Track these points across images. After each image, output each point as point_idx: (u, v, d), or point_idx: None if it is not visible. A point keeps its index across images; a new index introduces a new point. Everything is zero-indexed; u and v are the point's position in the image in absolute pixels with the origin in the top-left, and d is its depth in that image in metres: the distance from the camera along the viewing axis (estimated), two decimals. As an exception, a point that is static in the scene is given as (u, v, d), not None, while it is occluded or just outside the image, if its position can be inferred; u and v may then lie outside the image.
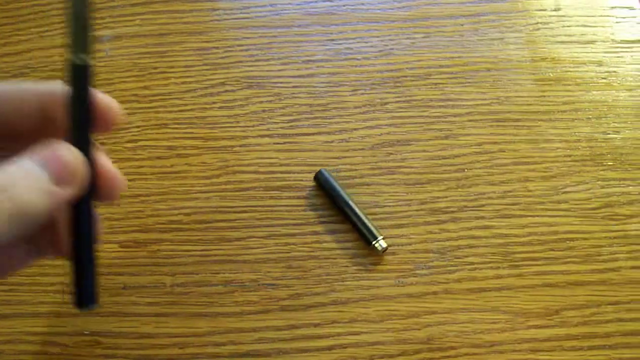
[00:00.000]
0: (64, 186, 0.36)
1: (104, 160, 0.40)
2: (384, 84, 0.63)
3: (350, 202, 0.57)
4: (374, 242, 0.55)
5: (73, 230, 0.39)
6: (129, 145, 0.60)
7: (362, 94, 0.62)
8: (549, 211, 0.57)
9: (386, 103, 0.62)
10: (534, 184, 0.58)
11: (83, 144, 0.38)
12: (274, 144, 0.60)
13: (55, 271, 0.56)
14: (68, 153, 0.36)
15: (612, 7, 0.66)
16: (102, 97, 0.39)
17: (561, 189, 0.57)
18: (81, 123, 0.38)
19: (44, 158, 0.35)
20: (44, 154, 0.35)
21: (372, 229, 0.56)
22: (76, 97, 0.38)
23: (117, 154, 0.59)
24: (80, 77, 0.38)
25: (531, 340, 0.52)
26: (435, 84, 0.62)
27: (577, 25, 0.65)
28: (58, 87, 0.39)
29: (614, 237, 0.56)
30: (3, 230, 0.33)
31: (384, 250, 0.55)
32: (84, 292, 0.39)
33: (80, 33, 0.38)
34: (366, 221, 0.56)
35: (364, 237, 0.56)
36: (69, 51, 0.38)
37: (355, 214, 0.56)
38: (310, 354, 0.52)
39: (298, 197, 0.58)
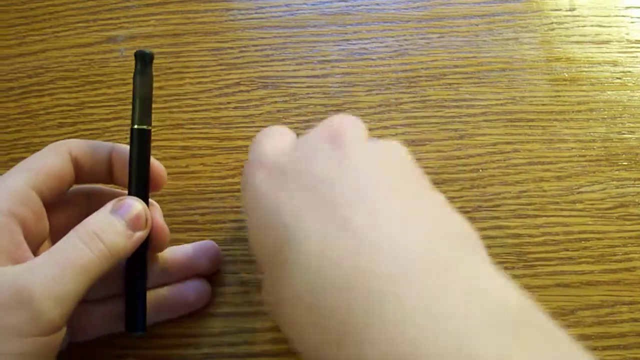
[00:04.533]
0: (136, 231, 0.45)
1: (155, 214, 0.49)
2: (399, 84, 0.63)
3: None
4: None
5: (128, 269, 0.48)
6: (143, 145, 0.61)
7: (377, 94, 0.62)
8: (563, 211, 0.57)
9: (401, 103, 0.62)
10: (548, 184, 0.58)
11: (143, 196, 0.48)
12: (289, 144, 0.60)
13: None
14: (138, 204, 0.46)
15: (627, 7, 0.66)
16: (154, 162, 0.50)
17: (576, 189, 0.57)
18: (142, 179, 0.48)
19: (119, 209, 0.45)
20: (119, 206, 0.45)
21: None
22: (139, 157, 0.48)
23: (132, 154, 0.60)
24: (144, 141, 0.48)
25: (546, 340, 0.52)
26: (450, 84, 0.62)
27: (592, 25, 0.65)
28: (125, 148, 0.49)
29: (629, 237, 0.56)
30: (102, 268, 0.43)
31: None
32: (135, 321, 0.48)
33: (146, 109, 0.48)
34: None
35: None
36: (134, 122, 0.48)
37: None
38: (325, 353, 0.52)
39: (313, 197, 0.58)
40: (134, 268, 0.48)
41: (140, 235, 0.46)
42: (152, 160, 0.49)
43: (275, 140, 0.45)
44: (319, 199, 0.37)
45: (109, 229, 0.43)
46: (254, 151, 0.45)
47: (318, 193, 0.37)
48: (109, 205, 0.45)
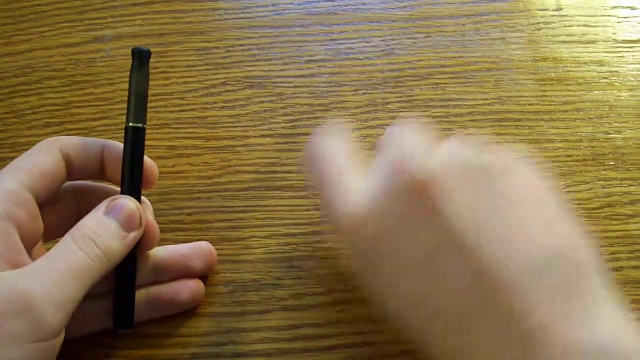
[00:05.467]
0: (131, 232, 0.45)
1: (146, 212, 0.49)
2: (386, 84, 0.63)
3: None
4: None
5: (117, 266, 0.46)
6: (130, 145, 0.61)
7: (364, 94, 0.62)
8: (550, 211, 0.57)
9: (388, 103, 0.62)
10: (535, 184, 0.58)
11: (136, 195, 0.47)
12: (276, 144, 0.60)
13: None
14: (131, 204, 0.46)
15: (614, 7, 0.66)
16: (147, 160, 0.49)
17: (563, 189, 0.57)
18: (135, 177, 0.47)
19: (113, 210, 0.45)
20: (113, 207, 0.45)
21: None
22: (133, 155, 0.47)
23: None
24: (138, 139, 0.48)
25: (533, 340, 0.52)
26: (437, 84, 0.62)
27: (579, 25, 0.65)
28: (117, 145, 0.49)
29: (616, 237, 0.56)
30: (100, 271, 0.43)
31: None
32: (124, 318, 0.49)
33: (141, 107, 0.48)
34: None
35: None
36: (129, 119, 0.47)
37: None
38: (312, 354, 0.52)
39: (300, 197, 0.58)
40: (124, 265, 0.47)
41: (134, 235, 0.45)
42: (145, 158, 0.49)
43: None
44: None
45: (104, 232, 0.43)
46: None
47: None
48: (102, 206, 0.45)
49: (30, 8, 0.68)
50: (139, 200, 0.47)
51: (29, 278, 0.39)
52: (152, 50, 0.64)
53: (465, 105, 0.61)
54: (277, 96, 0.63)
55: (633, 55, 0.63)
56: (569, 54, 0.64)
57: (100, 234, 0.43)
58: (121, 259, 0.45)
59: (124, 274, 0.48)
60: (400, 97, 0.62)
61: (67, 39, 0.66)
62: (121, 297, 0.48)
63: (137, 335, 0.52)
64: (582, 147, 0.59)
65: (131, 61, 0.48)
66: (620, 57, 0.63)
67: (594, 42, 0.64)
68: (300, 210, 0.57)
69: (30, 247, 0.44)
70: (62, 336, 0.41)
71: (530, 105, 0.61)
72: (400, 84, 0.63)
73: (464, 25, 0.65)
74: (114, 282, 0.48)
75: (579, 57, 0.63)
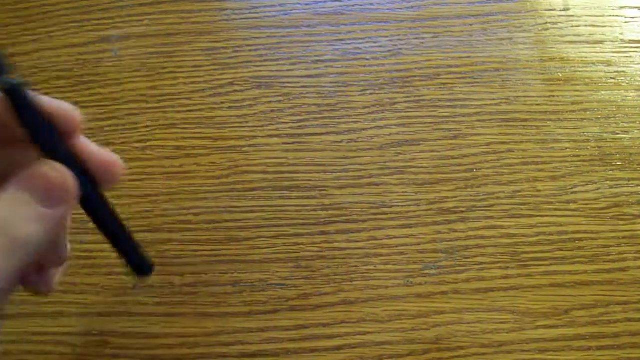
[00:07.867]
0: (55, 205, 0.35)
1: (92, 148, 0.38)
2: (393, 84, 0.63)
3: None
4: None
5: (96, 222, 0.39)
6: (137, 145, 0.60)
7: (371, 94, 0.62)
8: (557, 211, 0.57)
9: (395, 103, 0.62)
10: (542, 184, 0.58)
11: (56, 151, 0.36)
12: (283, 144, 0.60)
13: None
14: (50, 170, 0.35)
15: (621, 7, 0.66)
16: (100, 152, 0.38)
17: (570, 189, 0.57)
18: (44, 134, 0.36)
19: (28, 183, 0.35)
20: (27, 179, 0.35)
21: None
22: (26, 114, 0.36)
23: (126, 154, 0.59)
24: (18, 97, 0.35)
25: (539, 340, 0.52)
26: (444, 84, 0.62)
27: (586, 25, 0.65)
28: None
29: (622, 237, 0.56)
30: (2, 266, 0.33)
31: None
32: (137, 265, 0.42)
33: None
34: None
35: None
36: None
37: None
38: (318, 354, 0.52)
39: (307, 197, 0.58)
40: (101, 219, 0.40)
41: (61, 209, 0.35)
42: (101, 150, 0.39)
43: None
44: None
45: (13, 215, 0.34)
46: None
47: None
48: (14, 183, 0.35)
49: (37, 8, 0.68)
50: (61, 152, 0.37)
51: None
52: (160, 50, 0.65)
53: (472, 105, 0.61)
54: (284, 96, 0.63)
55: (640, 55, 0.63)
56: (576, 54, 0.64)
57: (8, 217, 0.34)
58: (42, 241, 0.34)
59: (108, 226, 0.41)
60: (408, 97, 0.62)
61: (74, 38, 0.66)
62: (122, 249, 0.41)
63: (144, 335, 0.52)
64: (589, 147, 0.59)
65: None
66: (628, 57, 0.63)
67: (601, 42, 0.64)
68: (307, 210, 0.57)
69: None
70: None
71: (537, 105, 0.61)
72: (407, 84, 0.63)
73: (471, 25, 0.65)
74: (105, 237, 0.41)
75: (586, 57, 0.63)
